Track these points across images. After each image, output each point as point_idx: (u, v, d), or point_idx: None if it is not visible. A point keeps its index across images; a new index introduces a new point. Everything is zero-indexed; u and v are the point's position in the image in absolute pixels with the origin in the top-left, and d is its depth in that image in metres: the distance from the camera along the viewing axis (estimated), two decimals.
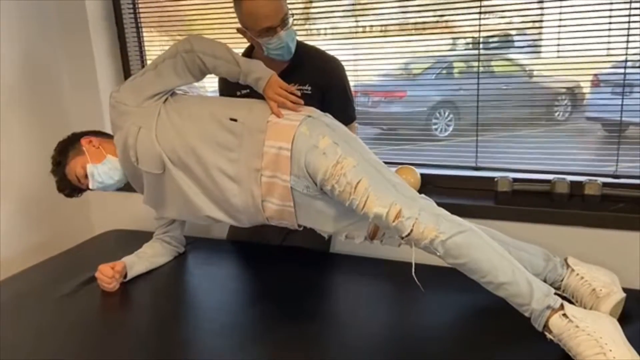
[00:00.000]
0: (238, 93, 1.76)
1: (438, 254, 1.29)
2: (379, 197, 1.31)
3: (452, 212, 1.38)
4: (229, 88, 1.77)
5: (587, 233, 1.74)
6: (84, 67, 2.34)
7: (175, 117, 1.49)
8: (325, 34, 2.14)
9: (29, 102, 2.19)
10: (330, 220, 1.50)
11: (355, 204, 1.33)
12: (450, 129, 2.18)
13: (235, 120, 1.45)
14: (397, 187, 1.36)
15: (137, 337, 1.35)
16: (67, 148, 1.60)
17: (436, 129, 2.23)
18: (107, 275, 1.59)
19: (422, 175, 2.00)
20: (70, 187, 1.61)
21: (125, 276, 1.65)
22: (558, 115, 1.97)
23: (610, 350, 1.10)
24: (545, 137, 1.96)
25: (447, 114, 2.19)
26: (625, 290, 1.39)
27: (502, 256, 1.28)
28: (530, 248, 1.50)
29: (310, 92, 1.71)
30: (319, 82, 1.72)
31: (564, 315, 1.19)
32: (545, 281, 1.39)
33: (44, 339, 1.35)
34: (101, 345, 1.32)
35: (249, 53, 1.76)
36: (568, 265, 1.47)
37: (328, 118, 1.52)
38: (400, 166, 2.01)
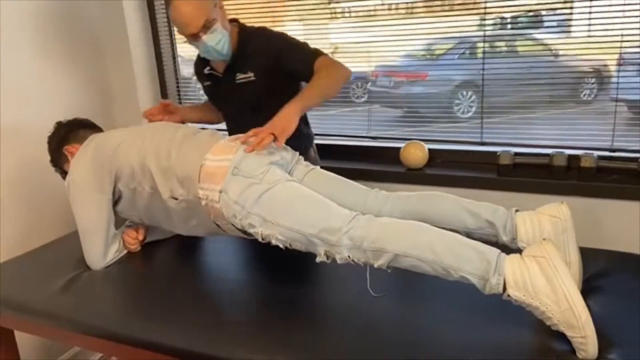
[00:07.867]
0: (205, 84, 1.94)
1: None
2: (314, 250, 1.38)
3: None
4: (199, 75, 1.96)
5: (583, 202, 1.88)
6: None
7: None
8: (349, 15, 2.22)
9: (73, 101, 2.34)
10: None
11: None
12: (473, 109, 2.17)
13: (176, 198, 1.52)
14: (320, 235, 1.35)
15: (160, 286, 1.56)
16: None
17: (459, 110, 2.24)
18: (132, 236, 1.75)
19: (430, 150, 2.13)
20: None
21: (144, 239, 1.81)
22: (584, 95, 1.98)
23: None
24: (550, 115, 2.06)
25: (469, 94, 2.20)
26: (621, 254, 1.51)
27: (437, 267, 1.25)
28: (482, 228, 1.44)
29: (254, 77, 1.78)
30: (261, 61, 1.76)
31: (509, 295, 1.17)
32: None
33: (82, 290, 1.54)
34: (130, 290, 1.56)
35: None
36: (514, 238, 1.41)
37: (240, 181, 1.43)
38: (409, 141, 2.14)
